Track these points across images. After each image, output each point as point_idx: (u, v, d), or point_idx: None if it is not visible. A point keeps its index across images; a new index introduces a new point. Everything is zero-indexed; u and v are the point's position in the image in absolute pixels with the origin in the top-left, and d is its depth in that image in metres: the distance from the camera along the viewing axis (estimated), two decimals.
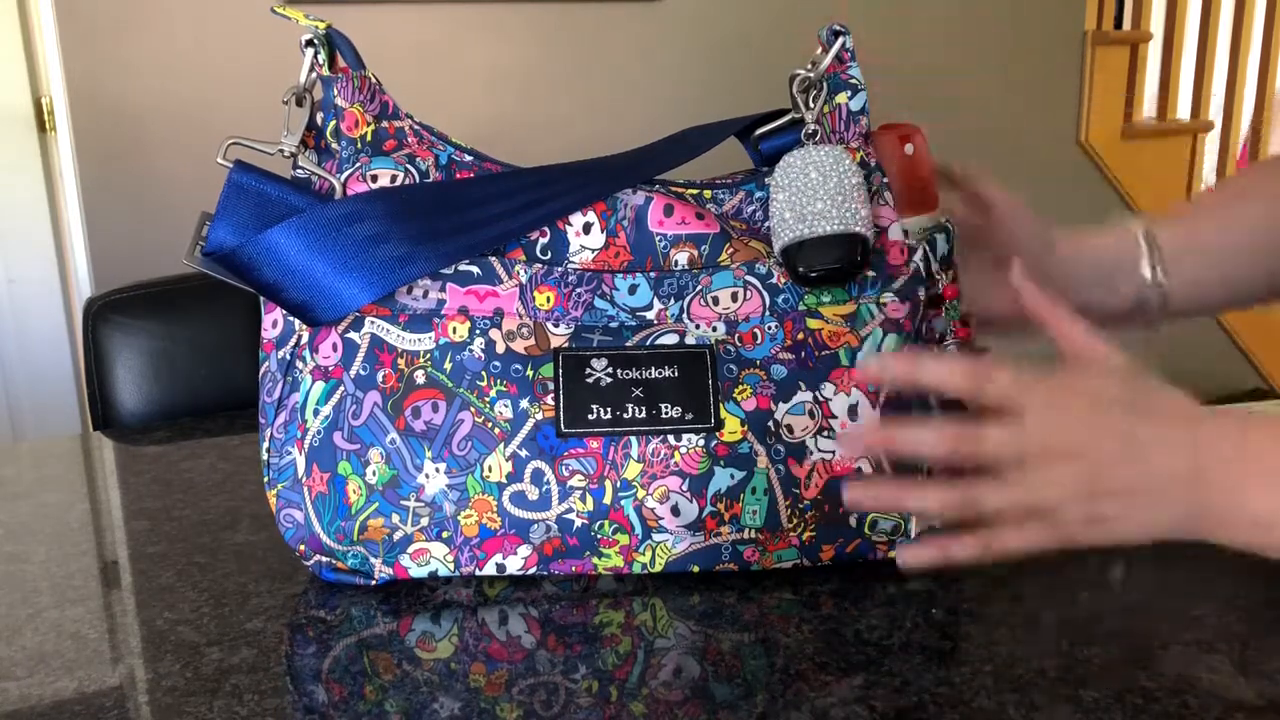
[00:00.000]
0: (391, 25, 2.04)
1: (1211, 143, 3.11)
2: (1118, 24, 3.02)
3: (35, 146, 1.94)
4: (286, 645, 0.55)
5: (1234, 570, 0.61)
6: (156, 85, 1.89)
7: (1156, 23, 2.99)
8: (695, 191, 0.63)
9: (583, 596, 0.59)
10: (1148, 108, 3.02)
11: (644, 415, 0.57)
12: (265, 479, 0.60)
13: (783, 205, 0.59)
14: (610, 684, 0.50)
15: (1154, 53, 2.96)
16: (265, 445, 0.60)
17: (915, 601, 0.57)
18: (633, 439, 0.57)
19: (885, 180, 0.61)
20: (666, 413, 0.57)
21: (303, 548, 0.59)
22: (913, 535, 0.59)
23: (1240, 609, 0.56)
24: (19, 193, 1.95)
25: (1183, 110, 3.09)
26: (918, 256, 0.61)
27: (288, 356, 0.60)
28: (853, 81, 0.62)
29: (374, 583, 0.60)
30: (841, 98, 0.62)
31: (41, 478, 0.83)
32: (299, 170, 0.59)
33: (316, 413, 0.58)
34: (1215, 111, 3.11)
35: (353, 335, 0.58)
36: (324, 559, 0.60)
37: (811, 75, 0.61)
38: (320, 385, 0.58)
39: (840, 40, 0.62)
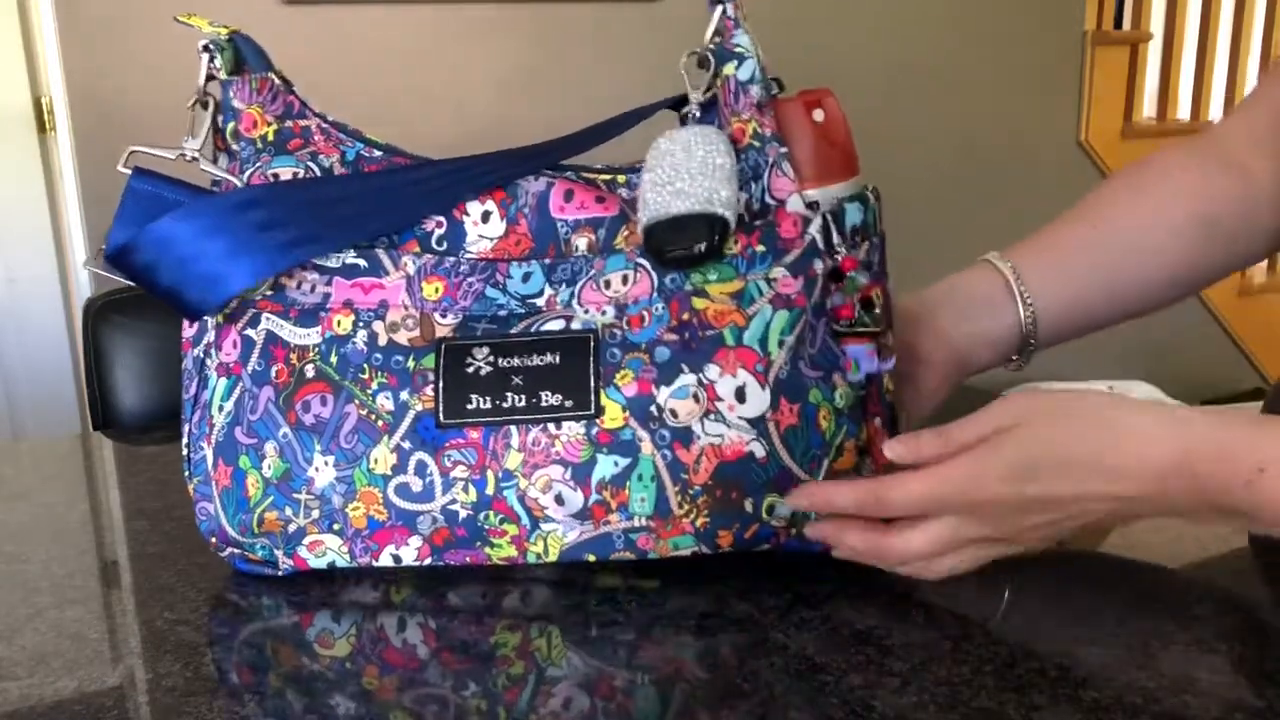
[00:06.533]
0: (392, 25, 2.04)
1: None
2: (1118, 24, 3.02)
3: (35, 146, 1.94)
4: (286, 646, 0.55)
5: (1234, 570, 0.61)
6: (156, 85, 1.89)
7: (1156, 23, 2.99)
8: (609, 177, 0.61)
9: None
10: (1148, 108, 3.03)
11: (523, 404, 0.56)
12: (185, 473, 0.61)
13: (646, 186, 0.57)
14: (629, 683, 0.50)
15: (1154, 53, 2.97)
16: (185, 440, 0.61)
17: (915, 601, 0.57)
18: (513, 428, 0.56)
19: (784, 151, 0.58)
20: (546, 401, 0.56)
21: (214, 540, 0.60)
22: None
23: (1240, 609, 0.56)
24: (19, 193, 1.95)
25: (1183, 110, 3.09)
26: (813, 228, 0.57)
27: (200, 354, 0.61)
28: (738, 50, 0.59)
29: (280, 573, 0.61)
30: (729, 68, 0.59)
31: (41, 478, 0.83)
32: (213, 173, 0.60)
33: (221, 408, 0.59)
34: (1215, 111, 3.11)
35: (250, 332, 0.59)
36: (235, 550, 0.61)
37: (699, 51, 0.59)
38: (224, 382, 0.59)
39: (719, 10, 0.59)
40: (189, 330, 0.61)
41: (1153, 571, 0.61)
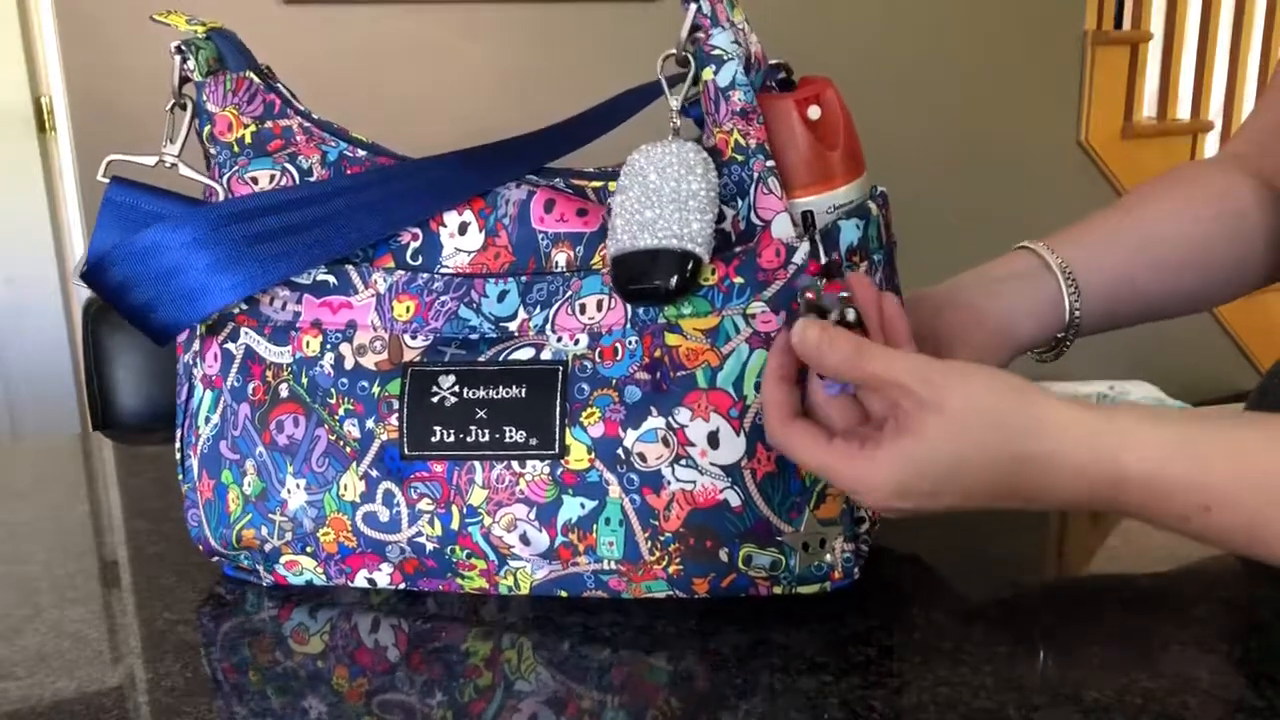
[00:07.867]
0: (391, 25, 2.04)
1: (1211, 143, 3.11)
2: (1118, 24, 3.02)
3: (35, 146, 1.94)
4: (286, 646, 0.55)
5: (1234, 570, 0.61)
6: (157, 85, 1.89)
7: (1156, 23, 2.99)
8: (599, 184, 0.57)
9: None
10: (1148, 108, 3.02)
11: (488, 439, 0.54)
12: (179, 476, 0.61)
13: (616, 209, 0.53)
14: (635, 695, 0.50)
15: (1154, 53, 2.97)
16: (177, 445, 0.61)
17: (914, 603, 0.57)
18: (477, 464, 0.54)
19: (770, 165, 0.53)
20: (510, 436, 0.53)
21: (200, 547, 0.60)
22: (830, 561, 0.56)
23: (1240, 609, 0.56)
24: (19, 193, 1.95)
25: (1183, 110, 3.09)
26: (798, 256, 0.52)
27: (190, 361, 0.60)
28: (716, 53, 0.53)
29: (265, 584, 0.61)
30: (707, 73, 0.54)
31: (41, 478, 0.83)
32: (193, 178, 0.59)
33: (207, 420, 0.59)
34: (1215, 111, 3.11)
35: (230, 346, 0.58)
36: (221, 559, 0.61)
37: (675, 53, 0.54)
38: (209, 394, 0.59)
39: (692, 9, 0.54)
40: (182, 335, 0.61)
41: (1153, 572, 0.61)
